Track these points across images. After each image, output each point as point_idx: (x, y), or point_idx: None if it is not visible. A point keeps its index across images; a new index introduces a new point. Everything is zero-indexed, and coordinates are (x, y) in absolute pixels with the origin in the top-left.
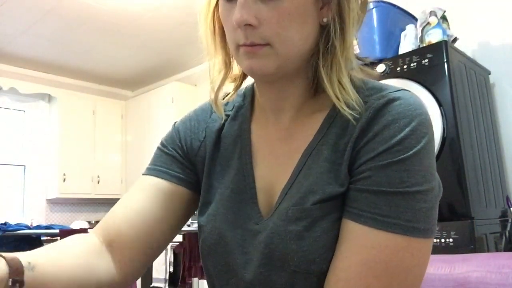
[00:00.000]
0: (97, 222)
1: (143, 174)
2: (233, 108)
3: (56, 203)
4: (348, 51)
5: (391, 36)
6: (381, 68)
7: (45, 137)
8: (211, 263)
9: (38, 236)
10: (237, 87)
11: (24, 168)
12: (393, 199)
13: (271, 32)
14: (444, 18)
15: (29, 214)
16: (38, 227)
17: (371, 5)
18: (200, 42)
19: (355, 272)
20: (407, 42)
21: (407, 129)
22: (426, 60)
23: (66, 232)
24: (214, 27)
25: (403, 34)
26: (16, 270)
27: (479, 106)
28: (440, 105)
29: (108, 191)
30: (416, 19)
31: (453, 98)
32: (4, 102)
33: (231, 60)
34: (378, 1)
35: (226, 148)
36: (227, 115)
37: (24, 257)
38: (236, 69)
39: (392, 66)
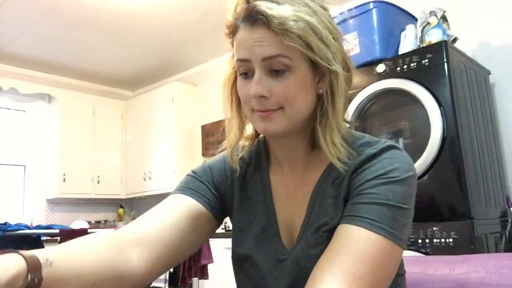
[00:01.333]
0: (97, 222)
1: (174, 193)
2: (250, 157)
3: (56, 203)
4: (337, 116)
5: (391, 36)
6: (381, 68)
7: (45, 137)
8: (247, 284)
9: (38, 236)
10: (250, 146)
11: (24, 168)
12: (380, 208)
13: (281, 99)
14: (444, 18)
15: (29, 214)
16: (38, 227)
17: (371, 5)
18: (200, 42)
19: (349, 258)
20: (407, 42)
21: (391, 167)
22: (426, 60)
23: (66, 232)
24: (231, 97)
25: (403, 34)
26: (34, 266)
27: (479, 106)
28: (440, 105)
29: (108, 191)
30: (416, 19)
31: (453, 98)
32: (4, 102)
33: (245, 124)
34: (378, 1)
35: (251, 193)
36: (248, 163)
37: (42, 253)
38: (249, 130)
39: (392, 66)
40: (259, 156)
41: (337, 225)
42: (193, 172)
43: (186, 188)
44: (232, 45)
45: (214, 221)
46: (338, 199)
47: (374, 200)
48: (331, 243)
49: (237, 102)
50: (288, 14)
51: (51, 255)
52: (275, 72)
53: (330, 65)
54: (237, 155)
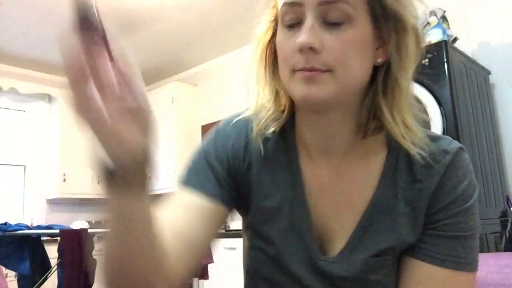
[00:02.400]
0: (97, 222)
1: (184, 184)
2: (277, 137)
3: (56, 203)
4: (409, 91)
5: None
6: None
7: (45, 137)
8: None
9: (38, 236)
10: (278, 122)
11: (24, 168)
12: (465, 242)
13: (333, 58)
14: (444, 18)
15: (29, 214)
16: (38, 227)
17: None
18: (201, 42)
19: None
20: None
21: (466, 181)
22: (426, 60)
23: (66, 232)
24: (265, 60)
25: None
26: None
27: (479, 106)
28: (440, 105)
29: None
30: None
31: (453, 98)
32: (4, 102)
33: (280, 95)
34: None
35: (278, 180)
36: (274, 143)
37: None
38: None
39: None
40: (286, 137)
41: (404, 249)
42: (205, 153)
43: (198, 182)
44: None
45: (225, 209)
46: (417, 221)
47: (459, 233)
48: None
49: (272, 67)
50: None
51: None
52: (331, 23)
53: (404, 17)
54: (264, 132)
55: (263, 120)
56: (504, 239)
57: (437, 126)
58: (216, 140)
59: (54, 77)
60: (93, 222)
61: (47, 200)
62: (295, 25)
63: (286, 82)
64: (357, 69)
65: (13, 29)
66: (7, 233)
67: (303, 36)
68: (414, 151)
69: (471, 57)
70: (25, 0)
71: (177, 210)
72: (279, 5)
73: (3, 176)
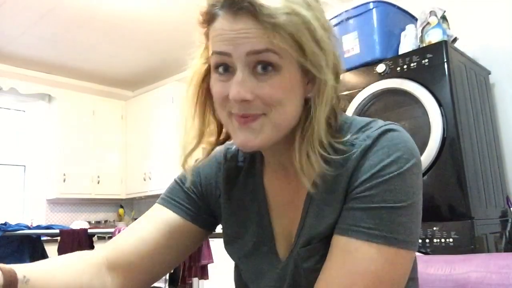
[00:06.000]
0: (97, 222)
1: (159, 203)
2: (244, 159)
3: (56, 203)
4: (318, 128)
5: (391, 36)
6: (381, 68)
7: (45, 137)
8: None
9: (38, 236)
10: (208, 153)
11: (24, 168)
12: (376, 213)
13: (265, 104)
14: (444, 18)
15: (29, 214)
16: (38, 227)
17: (371, 5)
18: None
19: (349, 279)
20: (407, 42)
21: (389, 159)
22: (426, 60)
23: (66, 232)
24: (197, 96)
25: (403, 34)
26: (10, 282)
27: (479, 106)
28: (440, 105)
29: (108, 191)
30: (416, 19)
31: (453, 98)
32: (4, 102)
33: (206, 130)
34: (378, 1)
35: (243, 202)
36: (240, 167)
37: (21, 269)
38: (210, 137)
39: (392, 66)
40: (254, 157)
41: (331, 234)
42: (180, 179)
43: (170, 199)
44: (206, 36)
45: (202, 231)
46: (335, 203)
47: (369, 205)
48: (327, 259)
49: (203, 103)
50: (280, 5)
51: (30, 272)
52: (261, 70)
53: (321, 75)
54: (196, 160)
55: (188, 152)
56: (504, 239)
57: (437, 126)
58: (195, 166)
59: (54, 77)
60: (93, 222)
61: (47, 200)
62: (229, 70)
63: (225, 123)
64: (288, 109)
65: (13, 29)
66: (7, 233)
67: (234, 91)
68: (307, 185)
69: (471, 57)
70: (25, 0)
71: (148, 223)
72: (210, 51)
73: (3, 176)
